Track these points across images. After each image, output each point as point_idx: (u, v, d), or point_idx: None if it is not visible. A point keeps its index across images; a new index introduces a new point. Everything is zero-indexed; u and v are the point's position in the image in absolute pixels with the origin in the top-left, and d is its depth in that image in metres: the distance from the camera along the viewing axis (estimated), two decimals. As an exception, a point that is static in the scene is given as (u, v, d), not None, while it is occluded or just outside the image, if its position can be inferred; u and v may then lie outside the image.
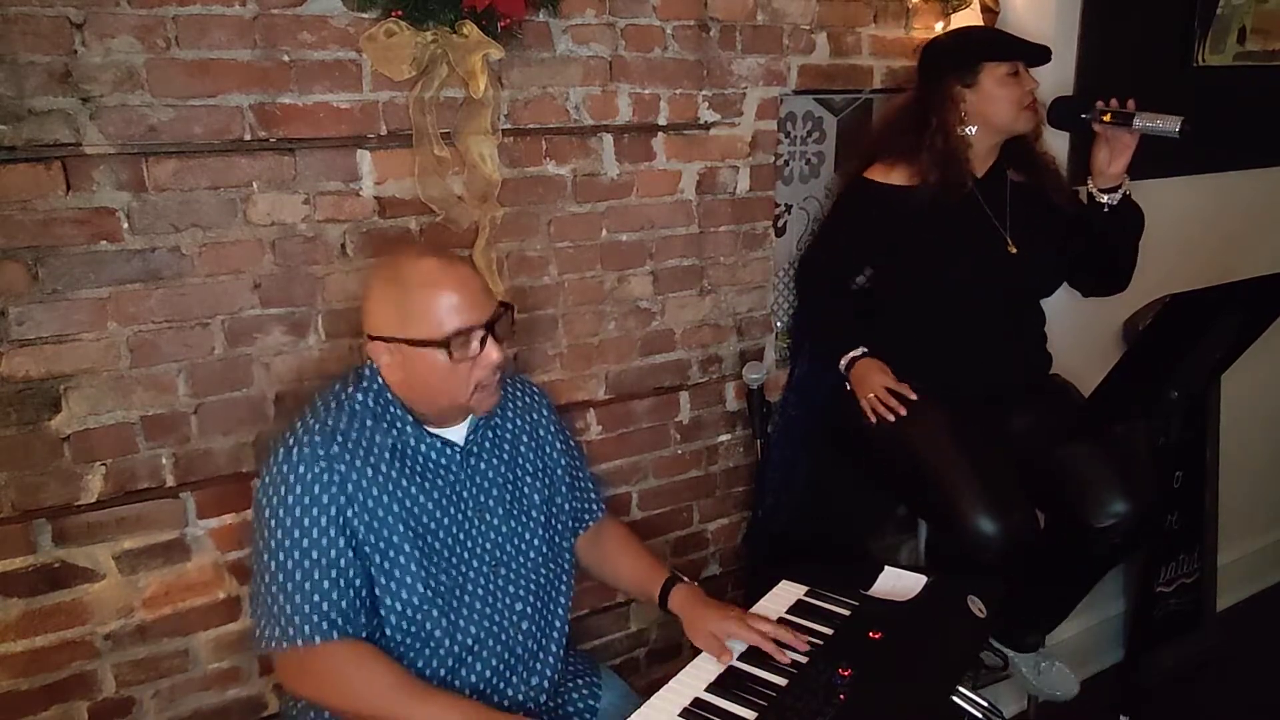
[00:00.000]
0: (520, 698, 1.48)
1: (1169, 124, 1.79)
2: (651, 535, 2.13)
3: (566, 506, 1.60)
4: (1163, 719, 2.49)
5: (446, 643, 1.41)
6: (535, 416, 1.58)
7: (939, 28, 2.23)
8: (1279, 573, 3.16)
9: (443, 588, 1.40)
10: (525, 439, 1.55)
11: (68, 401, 1.47)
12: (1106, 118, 1.85)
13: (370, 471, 1.36)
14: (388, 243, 1.66)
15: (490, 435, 1.51)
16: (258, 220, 1.56)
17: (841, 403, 2.04)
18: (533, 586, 1.50)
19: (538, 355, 1.91)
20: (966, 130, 1.95)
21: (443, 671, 1.42)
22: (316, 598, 1.31)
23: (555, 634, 1.54)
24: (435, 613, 1.40)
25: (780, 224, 2.20)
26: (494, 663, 1.45)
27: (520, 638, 1.48)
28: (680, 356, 2.10)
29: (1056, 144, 2.09)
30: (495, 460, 1.50)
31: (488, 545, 1.47)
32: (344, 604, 1.33)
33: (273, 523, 1.33)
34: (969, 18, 2.24)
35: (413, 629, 1.39)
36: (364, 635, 1.36)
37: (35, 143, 1.37)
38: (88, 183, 1.42)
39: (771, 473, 2.19)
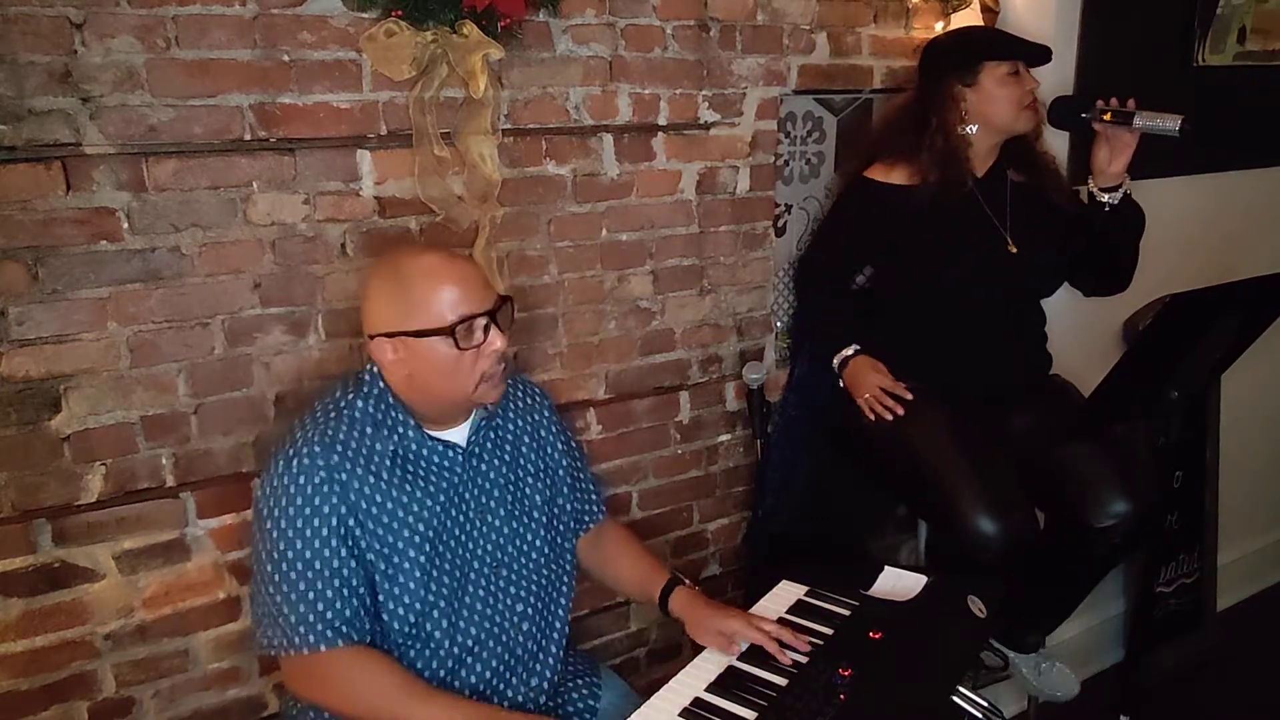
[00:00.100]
0: (520, 698, 1.48)
1: (1169, 123, 1.79)
2: (651, 535, 2.13)
3: (568, 507, 1.60)
4: (1163, 719, 2.49)
5: (447, 644, 1.41)
6: (537, 417, 1.58)
7: (939, 28, 2.23)
8: (1279, 573, 3.16)
9: (444, 590, 1.40)
10: (527, 439, 1.55)
11: (68, 401, 1.47)
12: (1107, 117, 1.86)
13: (371, 479, 1.35)
14: (388, 243, 1.66)
15: (492, 436, 1.50)
16: (258, 220, 1.56)
17: (841, 403, 2.04)
18: (534, 587, 1.50)
19: (538, 354, 1.91)
20: (967, 129, 1.95)
21: (442, 672, 1.42)
22: (320, 606, 1.31)
23: (555, 635, 1.54)
24: (436, 614, 1.40)
25: (780, 224, 2.20)
26: (494, 663, 1.45)
27: (521, 638, 1.48)
28: (680, 356, 2.10)
29: (1056, 144, 2.09)
30: (497, 461, 1.50)
31: (489, 546, 1.47)
32: (347, 612, 1.33)
33: (274, 533, 1.33)
34: (969, 18, 2.24)
35: (414, 631, 1.39)
36: (367, 640, 1.36)
37: (35, 143, 1.37)
38: (88, 183, 1.42)
39: (771, 473, 2.19)
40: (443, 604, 1.40)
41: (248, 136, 1.52)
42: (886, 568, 1.65)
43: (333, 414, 1.39)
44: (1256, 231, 2.73)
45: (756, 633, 1.43)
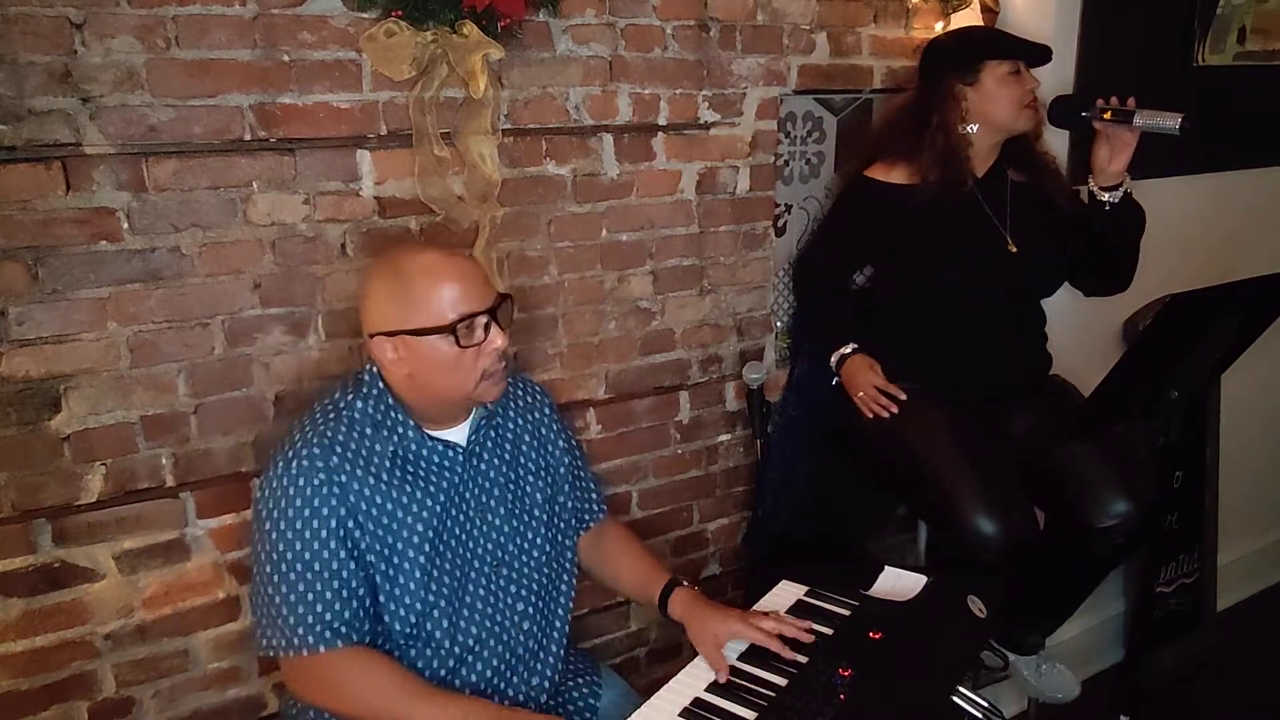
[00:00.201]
0: (520, 697, 1.48)
1: (1169, 121, 1.79)
2: (651, 535, 2.13)
3: (569, 505, 1.60)
4: (1163, 719, 2.49)
5: (447, 643, 1.41)
6: (537, 415, 1.58)
7: (939, 28, 2.23)
8: (1279, 573, 3.16)
9: (445, 589, 1.40)
10: (528, 438, 1.55)
11: (68, 401, 1.47)
12: (1107, 115, 1.86)
13: (371, 481, 1.35)
14: (388, 243, 1.66)
15: (493, 435, 1.50)
16: (258, 220, 1.56)
17: (841, 403, 2.04)
18: (534, 586, 1.50)
19: (538, 355, 1.91)
20: (967, 129, 1.95)
21: (443, 672, 1.42)
22: (319, 608, 1.31)
23: (556, 634, 1.54)
24: (437, 614, 1.40)
25: (780, 224, 2.20)
26: (495, 663, 1.45)
27: (521, 638, 1.48)
28: (680, 356, 2.10)
29: (1056, 143, 2.09)
30: (497, 460, 1.50)
31: (489, 545, 1.46)
32: (346, 614, 1.33)
33: (273, 535, 1.32)
34: (969, 18, 2.24)
35: (415, 631, 1.39)
36: (367, 641, 1.36)
37: (35, 143, 1.37)
38: (88, 183, 1.42)
39: (771, 473, 2.19)
40: (443, 604, 1.40)
41: (248, 136, 1.52)
42: (886, 568, 1.65)
43: (332, 415, 1.38)
44: (1256, 231, 2.73)
45: (757, 633, 1.43)
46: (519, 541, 1.49)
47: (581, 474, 1.66)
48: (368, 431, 1.38)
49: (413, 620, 1.38)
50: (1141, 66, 2.30)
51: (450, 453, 1.44)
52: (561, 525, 1.57)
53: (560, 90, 1.79)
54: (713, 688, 1.37)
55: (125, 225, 1.46)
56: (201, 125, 1.48)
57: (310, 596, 1.31)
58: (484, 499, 1.47)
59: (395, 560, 1.37)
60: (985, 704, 1.48)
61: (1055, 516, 2.00)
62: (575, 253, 1.89)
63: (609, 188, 1.90)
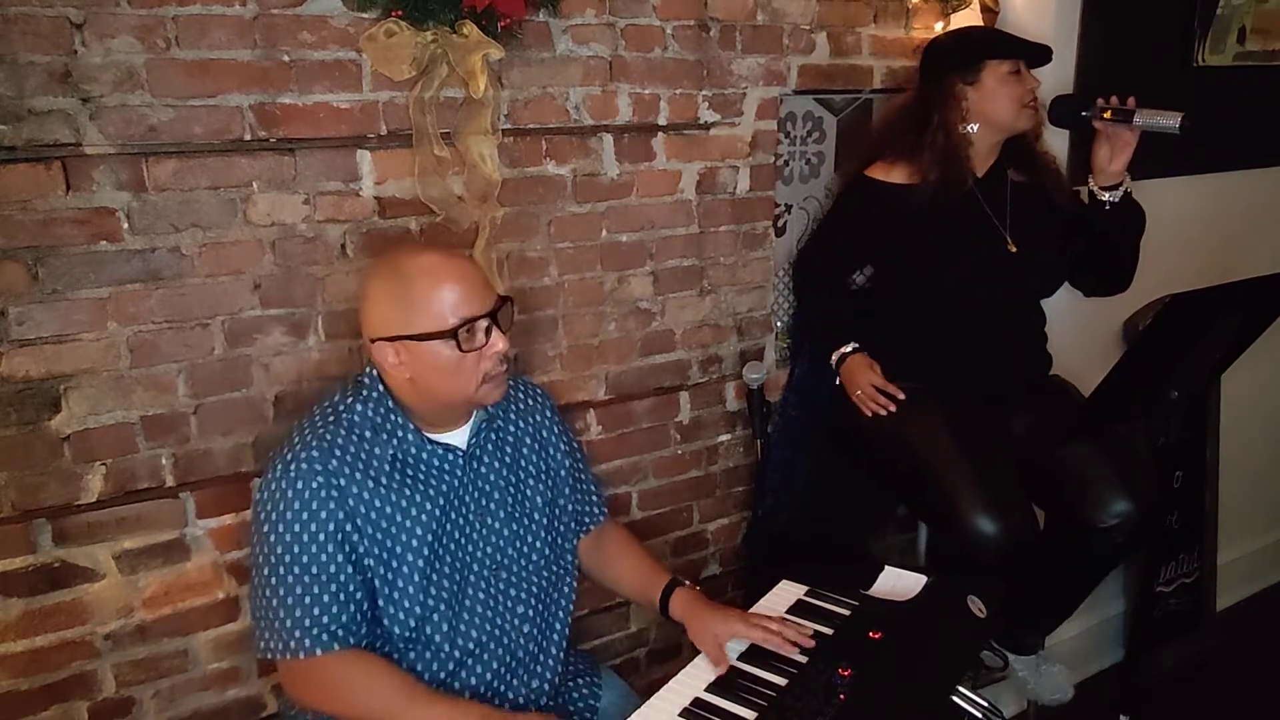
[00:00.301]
0: (521, 700, 1.47)
1: (1169, 120, 1.79)
2: (651, 535, 2.13)
3: (569, 508, 1.60)
4: (1163, 719, 2.49)
5: (447, 647, 1.41)
6: (538, 418, 1.58)
7: (939, 28, 2.23)
8: (1279, 573, 3.16)
9: (445, 593, 1.40)
10: (528, 441, 1.55)
11: (68, 401, 1.47)
12: (1107, 115, 1.86)
13: (370, 484, 1.35)
14: (388, 243, 1.66)
15: (493, 438, 1.50)
16: (258, 220, 1.56)
17: (841, 402, 2.04)
18: (534, 589, 1.50)
19: (538, 356, 1.90)
20: (968, 128, 1.95)
21: (443, 675, 1.41)
22: (317, 611, 1.31)
23: (556, 636, 1.53)
24: (437, 618, 1.40)
25: (780, 224, 2.20)
26: (495, 665, 1.45)
27: (521, 640, 1.47)
28: (680, 357, 2.10)
29: (1056, 143, 2.09)
30: (497, 464, 1.49)
31: (489, 549, 1.46)
32: (344, 617, 1.33)
33: (272, 538, 1.32)
34: (969, 18, 2.24)
35: (414, 635, 1.39)
36: (365, 645, 1.36)
37: (35, 143, 1.37)
38: (88, 183, 1.42)
39: (771, 473, 2.19)
40: (443, 607, 1.40)
41: (248, 136, 1.52)
42: (886, 568, 1.65)
43: (331, 418, 1.38)
44: (1256, 231, 2.73)
45: (759, 633, 1.43)
46: (519, 545, 1.49)
47: (582, 476, 1.65)
48: (367, 435, 1.38)
49: (412, 624, 1.38)
50: (1141, 66, 2.30)
51: (450, 456, 1.43)
52: (561, 528, 1.57)
53: (560, 90, 1.79)
54: (713, 687, 1.37)
55: (125, 225, 1.46)
56: (201, 125, 1.48)
57: (308, 600, 1.31)
58: (484, 502, 1.47)
59: (395, 564, 1.36)
60: (985, 704, 1.48)
61: (1055, 516, 2.00)
62: (575, 253, 1.89)
63: (609, 188, 1.90)
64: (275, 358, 1.62)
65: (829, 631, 1.48)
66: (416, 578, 1.37)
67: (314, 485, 1.32)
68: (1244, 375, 2.38)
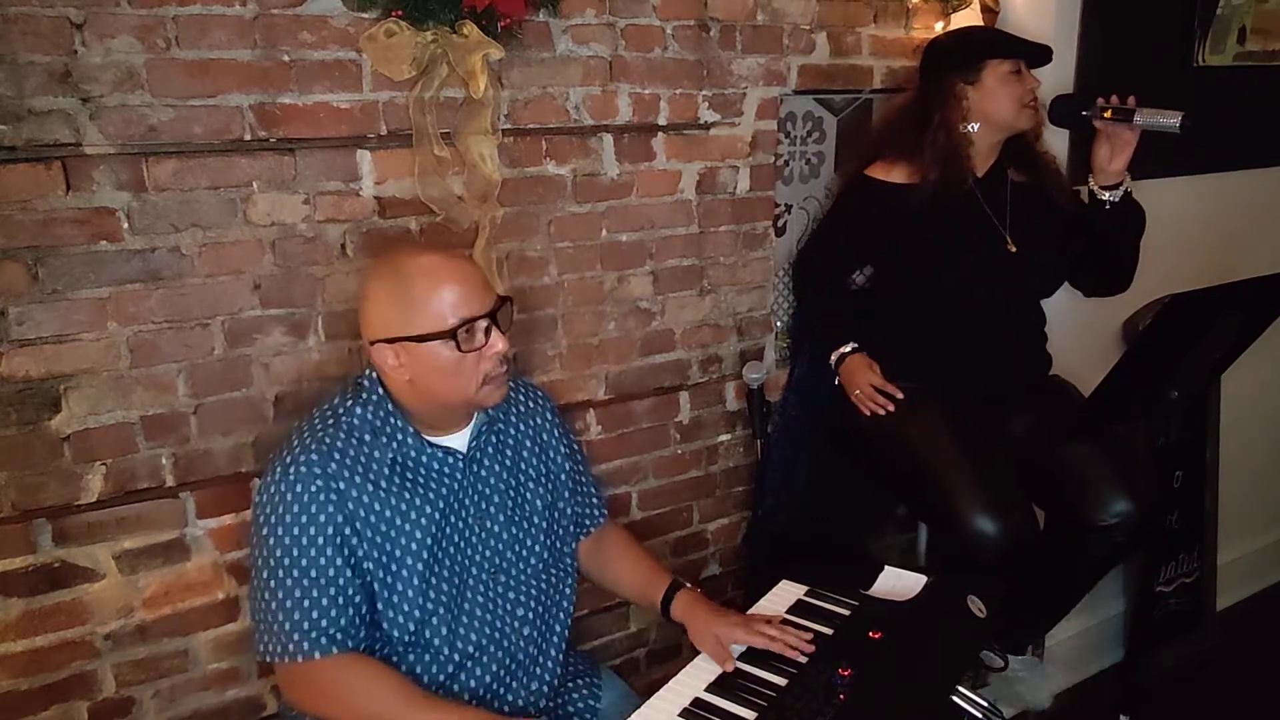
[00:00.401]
0: (520, 702, 1.47)
1: (1169, 119, 1.79)
2: (651, 535, 2.13)
3: (569, 511, 1.59)
4: (1163, 719, 2.49)
5: (446, 650, 1.41)
6: (539, 420, 1.58)
7: (939, 28, 2.23)
8: (1279, 573, 3.16)
9: (444, 597, 1.40)
10: (528, 443, 1.55)
11: (68, 401, 1.47)
12: (1107, 114, 1.86)
13: (370, 488, 1.35)
14: (388, 243, 1.66)
15: (493, 440, 1.50)
16: (258, 220, 1.56)
17: (841, 402, 2.04)
18: (534, 592, 1.50)
19: (538, 355, 1.90)
20: (968, 127, 1.95)
21: (443, 678, 1.41)
22: (315, 615, 1.31)
23: (556, 638, 1.53)
24: (436, 621, 1.39)
25: (780, 224, 2.20)
26: (494, 668, 1.44)
27: (521, 643, 1.47)
28: (680, 356, 2.10)
29: (1057, 143, 2.09)
30: (498, 466, 1.49)
31: (488, 552, 1.46)
32: (343, 621, 1.33)
33: (271, 541, 1.32)
34: (969, 18, 2.24)
35: (414, 638, 1.39)
36: (363, 648, 1.36)
37: (35, 143, 1.37)
38: (88, 183, 1.42)
39: (771, 473, 2.19)
40: (442, 610, 1.40)
41: (248, 136, 1.52)
42: (886, 568, 1.65)
43: (331, 421, 1.38)
44: (1256, 231, 2.73)
45: (760, 637, 1.43)
46: (518, 548, 1.49)
47: (582, 479, 1.65)
48: (366, 438, 1.38)
49: (412, 627, 1.38)
50: (1141, 66, 2.29)
51: (450, 459, 1.43)
52: (561, 531, 1.57)
53: (560, 90, 1.79)
54: (713, 687, 1.37)
55: (125, 225, 1.46)
56: (201, 125, 1.48)
57: (306, 603, 1.31)
58: (484, 505, 1.47)
59: (394, 567, 1.36)
60: (985, 704, 1.48)
61: (1055, 516, 2.00)
62: (575, 253, 1.89)
63: (609, 188, 1.90)
64: (275, 358, 1.62)
65: (829, 631, 1.48)
66: (416, 581, 1.37)
67: (313, 488, 1.32)
68: (1244, 375, 2.38)
